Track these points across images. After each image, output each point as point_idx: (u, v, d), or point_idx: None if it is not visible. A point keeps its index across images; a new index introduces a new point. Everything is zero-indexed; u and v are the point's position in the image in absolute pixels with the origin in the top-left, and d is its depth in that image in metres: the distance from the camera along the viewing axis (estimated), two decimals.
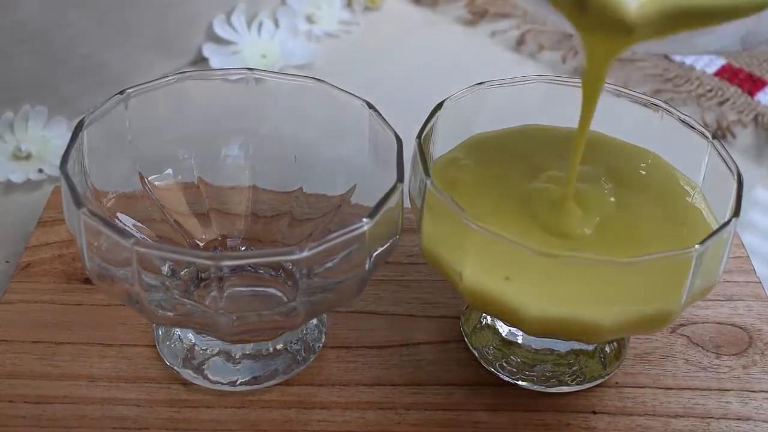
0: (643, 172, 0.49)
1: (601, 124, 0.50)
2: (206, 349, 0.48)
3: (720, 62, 0.76)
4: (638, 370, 0.49)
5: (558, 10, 0.43)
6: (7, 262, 0.55)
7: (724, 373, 0.49)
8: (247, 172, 0.52)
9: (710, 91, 0.73)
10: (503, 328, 0.49)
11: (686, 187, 0.48)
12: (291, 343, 0.48)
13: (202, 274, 0.48)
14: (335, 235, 0.40)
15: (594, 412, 0.47)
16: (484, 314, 0.50)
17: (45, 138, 0.63)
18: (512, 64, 0.75)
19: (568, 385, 0.48)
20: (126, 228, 0.47)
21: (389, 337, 0.50)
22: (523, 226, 0.45)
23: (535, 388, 0.48)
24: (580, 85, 0.45)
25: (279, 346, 0.48)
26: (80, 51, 0.64)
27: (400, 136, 0.46)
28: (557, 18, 0.43)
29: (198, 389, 0.47)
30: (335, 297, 0.43)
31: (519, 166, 0.48)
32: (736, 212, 0.43)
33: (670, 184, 0.48)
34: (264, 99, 0.50)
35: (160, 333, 0.49)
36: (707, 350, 0.51)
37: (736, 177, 0.45)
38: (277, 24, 0.75)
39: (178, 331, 0.48)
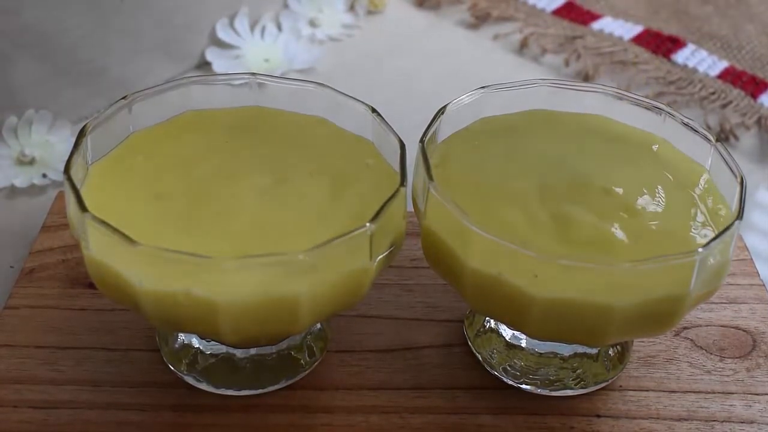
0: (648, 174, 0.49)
1: None
2: (210, 354, 0.48)
3: (723, 65, 0.75)
4: (642, 374, 0.49)
5: None
6: (11, 267, 0.55)
7: (727, 376, 0.49)
8: None
9: (713, 93, 0.73)
10: (507, 332, 0.49)
11: (693, 189, 0.48)
12: (294, 347, 0.48)
13: None
14: (338, 238, 0.40)
15: (598, 416, 0.47)
16: (487, 318, 0.50)
17: (49, 143, 0.63)
18: (515, 67, 0.75)
19: (571, 388, 0.48)
20: None
21: (393, 341, 0.50)
22: (525, 224, 0.44)
23: (539, 391, 0.48)
24: (582, 88, 0.45)
25: (283, 351, 0.48)
26: (84, 56, 0.64)
27: (403, 139, 0.46)
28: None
29: (202, 394, 0.47)
30: (338, 301, 0.43)
31: (520, 158, 0.48)
32: (740, 215, 0.43)
33: (676, 186, 0.48)
34: (267, 104, 0.50)
35: (164, 338, 0.49)
36: (711, 353, 0.51)
37: (739, 180, 0.45)
38: (279, 28, 0.75)
39: (182, 336, 0.49)
